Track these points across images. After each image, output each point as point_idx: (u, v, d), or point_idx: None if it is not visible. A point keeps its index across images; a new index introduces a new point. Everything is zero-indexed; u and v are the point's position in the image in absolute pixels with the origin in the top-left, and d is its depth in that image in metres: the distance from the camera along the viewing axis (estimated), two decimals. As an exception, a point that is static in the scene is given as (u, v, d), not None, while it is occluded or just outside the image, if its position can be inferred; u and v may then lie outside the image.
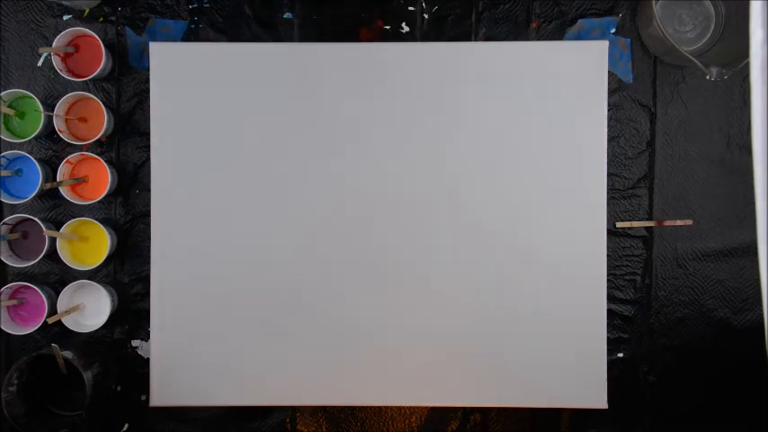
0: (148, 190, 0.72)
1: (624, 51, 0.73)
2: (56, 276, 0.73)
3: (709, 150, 0.74)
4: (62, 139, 0.71)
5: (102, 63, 0.70)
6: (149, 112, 0.72)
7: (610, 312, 0.72)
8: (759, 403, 0.72)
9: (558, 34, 0.74)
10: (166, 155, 0.72)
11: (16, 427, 0.67)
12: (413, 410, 0.73)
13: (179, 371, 0.72)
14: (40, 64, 0.73)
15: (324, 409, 0.73)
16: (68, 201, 0.70)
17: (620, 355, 0.73)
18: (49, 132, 0.72)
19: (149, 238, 0.72)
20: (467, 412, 0.73)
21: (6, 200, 0.70)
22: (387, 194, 0.71)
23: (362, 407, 0.73)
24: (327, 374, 0.72)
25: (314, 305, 0.72)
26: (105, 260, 0.70)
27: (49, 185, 0.69)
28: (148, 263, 0.72)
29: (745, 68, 0.68)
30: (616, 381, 0.72)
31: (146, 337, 0.73)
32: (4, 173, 0.70)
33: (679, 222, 0.73)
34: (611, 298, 0.73)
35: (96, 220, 0.70)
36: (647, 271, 0.74)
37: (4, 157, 0.71)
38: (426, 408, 0.73)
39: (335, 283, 0.72)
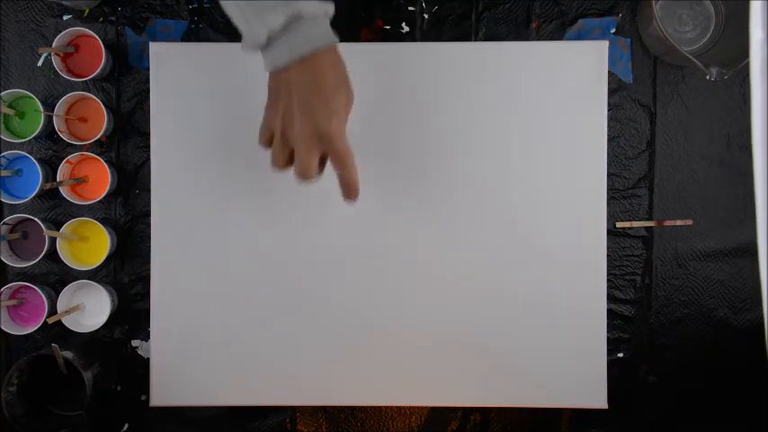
0: (148, 190, 0.72)
1: (624, 51, 0.73)
2: (56, 276, 0.73)
3: (709, 150, 0.74)
4: (62, 139, 0.71)
5: (102, 63, 0.70)
6: (149, 112, 0.72)
7: (610, 312, 0.72)
8: (759, 403, 0.72)
9: (558, 34, 0.74)
10: (166, 155, 0.72)
11: (16, 427, 0.67)
12: (413, 410, 0.73)
13: (179, 371, 0.72)
14: (40, 64, 0.73)
15: (324, 409, 0.73)
16: (68, 201, 0.70)
17: (620, 355, 0.73)
18: (49, 132, 0.72)
19: (149, 238, 0.72)
20: (467, 412, 0.73)
21: (6, 200, 0.70)
22: (386, 193, 0.71)
23: (362, 407, 0.73)
24: (327, 374, 0.72)
25: (314, 305, 0.72)
26: (105, 260, 0.70)
27: (49, 185, 0.69)
28: (148, 263, 0.72)
29: (745, 68, 0.68)
30: (616, 381, 0.72)
31: (146, 337, 0.73)
32: (4, 173, 0.70)
33: (679, 222, 0.73)
34: (611, 298, 0.73)
35: (96, 220, 0.70)
36: (647, 271, 0.74)
37: (4, 157, 0.71)
38: (426, 408, 0.73)
39: (336, 283, 0.72)
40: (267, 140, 0.60)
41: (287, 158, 0.58)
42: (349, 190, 0.61)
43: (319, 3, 0.54)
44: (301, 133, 0.56)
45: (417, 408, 0.73)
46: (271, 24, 0.53)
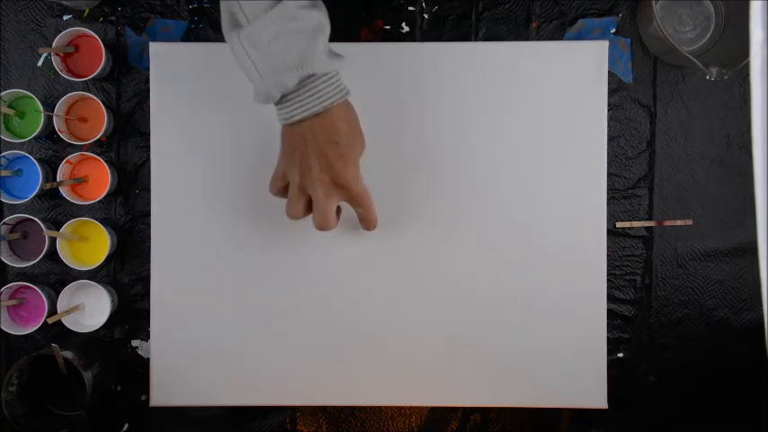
0: (148, 190, 0.72)
1: (624, 51, 0.73)
2: (56, 276, 0.73)
3: (709, 150, 0.74)
4: (62, 139, 0.71)
5: (102, 63, 0.70)
6: (149, 112, 0.72)
7: (610, 312, 0.72)
8: (759, 403, 0.72)
9: (558, 34, 0.74)
10: (166, 155, 0.72)
11: (16, 427, 0.67)
12: (413, 410, 0.73)
13: (179, 371, 0.72)
14: (40, 64, 0.73)
15: (324, 409, 0.73)
16: (68, 201, 0.70)
17: (620, 355, 0.73)
18: (49, 132, 0.72)
19: (149, 238, 0.72)
20: (467, 412, 0.73)
21: (6, 200, 0.70)
22: (385, 193, 0.71)
23: (362, 407, 0.73)
24: (327, 374, 0.72)
25: (314, 305, 0.72)
26: (105, 260, 0.70)
27: (49, 185, 0.69)
28: (148, 263, 0.72)
29: (745, 68, 0.68)
30: (616, 381, 0.72)
31: (146, 337, 0.73)
32: (4, 173, 0.70)
33: (679, 222, 0.73)
34: (611, 298, 0.73)
35: (96, 220, 0.70)
36: (647, 271, 0.74)
37: (4, 157, 0.71)
38: (426, 408, 0.73)
39: (335, 283, 0.72)
40: (280, 189, 0.64)
41: (304, 208, 0.62)
42: (369, 224, 0.66)
43: (331, 60, 0.57)
44: (320, 182, 0.60)
45: (417, 408, 0.73)
46: (285, 83, 0.56)
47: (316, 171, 0.59)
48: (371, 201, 0.64)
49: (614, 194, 0.73)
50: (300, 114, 0.57)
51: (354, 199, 0.63)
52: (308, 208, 0.63)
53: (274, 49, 0.54)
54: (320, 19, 0.56)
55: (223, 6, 0.57)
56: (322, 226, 0.62)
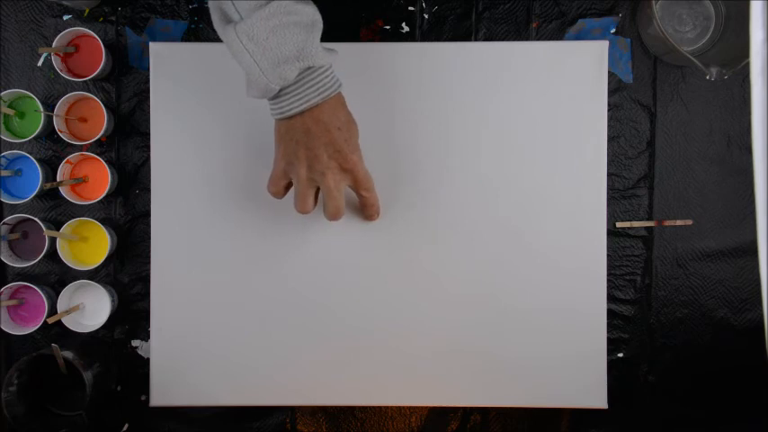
0: (148, 190, 0.72)
1: (624, 51, 0.73)
2: (56, 276, 0.73)
3: (709, 150, 0.74)
4: (62, 139, 0.71)
5: (102, 63, 0.70)
6: (149, 112, 0.72)
7: (610, 312, 0.72)
8: (759, 403, 0.72)
9: (558, 34, 0.74)
10: (166, 155, 0.72)
11: (16, 427, 0.67)
12: (413, 410, 0.73)
13: (179, 371, 0.72)
14: (40, 64, 0.73)
15: (324, 409, 0.73)
16: (68, 201, 0.70)
17: (620, 355, 0.73)
18: (49, 132, 0.72)
19: (149, 238, 0.72)
20: (467, 412, 0.73)
21: (6, 200, 0.70)
22: (384, 195, 0.71)
23: (362, 407, 0.73)
24: (327, 374, 0.72)
25: (314, 305, 0.72)
26: (105, 260, 0.70)
27: (48, 185, 0.69)
28: (148, 263, 0.72)
29: (745, 68, 0.68)
30: (616, 381, 0.72)
31: (146, 337, 0.73)
32: (4, 173, 0.70)
33: (679, 222, 0.73)
34: (611, 298, 0.73)
35: (96, 220, 0.70)
36: (647, 271, 0.74)
37: (4, 157, 0.71)
38: (426, 408, 0.73)
39: (336, 284, 0.72)
40: (284, 188, 0.65)
41: (314, 200, 0.64)
42: (372, 210, 0.68)
43: (327, 52, 0.58)
44: (329, 170, 0.61)
45: (417, 408, 0.73)
46: (286, 76, 0.56)
47: (324, 159, 0.60)
48: (374, 184, 0.66)
49: (614, 194, 0.73)
50: (299, 107, 0.58)
51: (360, 182, 0.64)
52: (316, 200, 0.64)
53: (272, 43, 0.55)
54: (314, 14, 0.57)
55: (212, 5, 0.57)
56: (336, 215, 0.64)
